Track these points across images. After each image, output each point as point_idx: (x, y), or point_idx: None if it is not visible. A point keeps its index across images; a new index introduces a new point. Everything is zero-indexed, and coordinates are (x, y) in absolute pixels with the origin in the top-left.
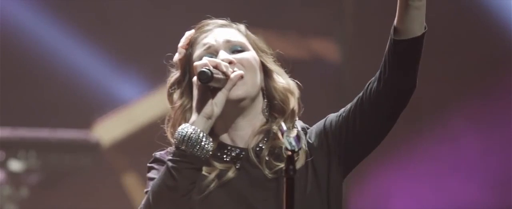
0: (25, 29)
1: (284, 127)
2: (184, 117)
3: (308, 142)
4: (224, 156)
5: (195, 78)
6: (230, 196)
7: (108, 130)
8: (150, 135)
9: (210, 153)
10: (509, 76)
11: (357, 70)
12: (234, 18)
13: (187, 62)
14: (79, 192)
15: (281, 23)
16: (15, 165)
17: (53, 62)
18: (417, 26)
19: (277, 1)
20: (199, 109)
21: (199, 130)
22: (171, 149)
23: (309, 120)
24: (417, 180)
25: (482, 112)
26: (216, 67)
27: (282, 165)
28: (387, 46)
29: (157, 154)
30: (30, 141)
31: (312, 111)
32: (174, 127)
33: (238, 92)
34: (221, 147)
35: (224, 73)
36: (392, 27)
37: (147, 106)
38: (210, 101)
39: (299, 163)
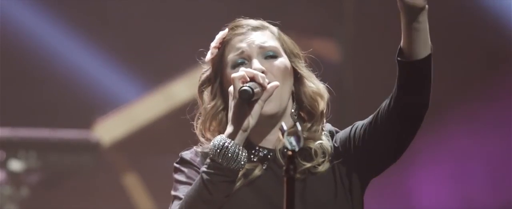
0: (25, 29)
1: (284, 127)
2: (215, 118)
3: (334, 145)
4: (252, 156)
5: (231, 88)
6: (256, 194)
7: (109, 130)
8: (150, 135)
9: (245, 165)
10: (509, 76)
11: (357, 71)
12: (234, 18)
13: (219, 62)
14: (80, 192)
15: (281, 24)
16: (16, 165)
17: (54, 62)
18: (419, 48)
19: (277, 2)
20: (235, 121)
21: (236, 143)
22: (198, 149)
23: None
24: (417, 179)
25: (482, 112)
26: (252, 78)
27: (308, 164)
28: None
29: (184, 154)
30: (30, 141)
31: None
32: (204, 124)
33: (270, 106)
34: (249, 147)
35: (260, 84)
36: (398, 48)
37: (148, 106)
38: (246, 113)
39: (326, 166)
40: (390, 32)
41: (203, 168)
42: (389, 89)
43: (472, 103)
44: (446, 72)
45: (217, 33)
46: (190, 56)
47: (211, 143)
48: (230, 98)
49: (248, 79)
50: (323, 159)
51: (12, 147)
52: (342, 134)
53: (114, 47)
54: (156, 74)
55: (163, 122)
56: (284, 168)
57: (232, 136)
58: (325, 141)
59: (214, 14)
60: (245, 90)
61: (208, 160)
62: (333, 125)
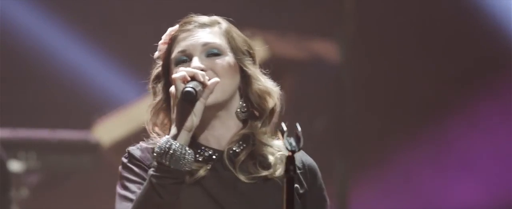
0: (25, 30)
1: (285, 127)
2: (163, 113)
3: (301, 166)
4: (197, 156)
5: (172, 89)
6: (200, 194)
7: (108, 130)
8: (150, 136)
9: (193, 164)
10: (509, 76)
11: (357, 71)
12: (234, 18)
13: (167, 59)
14: (79, 193)
15: (281, 24)
16: (15, 166)
17: (53, 62)
18: None
19: (277, 2)
20: (178, 122)
21: (181, 144)
22: (146, 145)
23: (309, 120)
24: (417, 179)
25: (482, 112)
26: (193, 77)
27: (264, 173)
28: None
29: (132, 150)
30: (30, 142)
31: (312, 111)
32: (152, 120)
33: (211, 98)
34: (195, 146)
35: (201, 82)
36: None
37: (147, 107)
38: (189, 113)
39: (278, 173)
40: (389, 32)
41: (150, 172)
42: (388, 88)
43: (472, 104)
44: (446, 72)
45: None
46: (152, 53)
47: (156, 146)
48: (172, 98)
49: (189, 79)
50: (278, 168)
51: (12, 148)
52: (310, 168)
53: (114, 47)
54: None
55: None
56: (284, 168)
57: (176, 137)
58: (281, 152)
59: (214, 14)
60: (188, 91)
61: (154, 163)
62: (333, 124)
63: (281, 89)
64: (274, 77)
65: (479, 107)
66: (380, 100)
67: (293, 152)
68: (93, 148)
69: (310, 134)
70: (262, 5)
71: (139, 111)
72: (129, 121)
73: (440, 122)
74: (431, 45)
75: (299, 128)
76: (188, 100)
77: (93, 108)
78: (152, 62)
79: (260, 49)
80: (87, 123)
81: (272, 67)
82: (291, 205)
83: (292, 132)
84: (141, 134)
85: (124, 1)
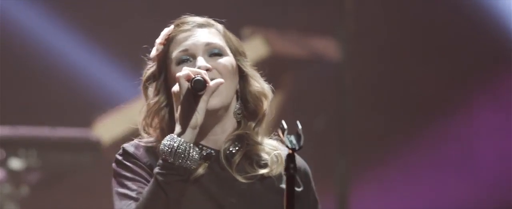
0: (25, 28)
1: (285, 126)
2: (158, 114)
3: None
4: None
5: (175, 88)
6: (199, 193)
7: (109, 128)
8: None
9: (198, 162)
10: (509, 75)
11: (357, 69)
12: (234, 17)
13: (164, 59)
14: (79, 191)
15: (282, 22)
16: (16, 164)
17: (53, 60)
18: None
19: (278, 0)
20: (183, 119)
21: (186, 141)
22: (140, 143)
23: (309, 118)
24: (417, 179)
25: (482, 112)
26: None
27: (261, 172)
28: None
29: (127, 146)
30: (30, 140)
31: (312, 110)
32: (146, 120)
33: (214, 102)
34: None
35: (205, 81)
36: None
37: (141, 107)
38: (193, 110)
39: (276, 173)
40: (390, 31)
41: (156, 170)
42: (388, 87)
43: (472, 103)
44: (446, 72)
45: None
46: (143, 54)
47: (161, 144)
48: (174, 97)
49: (193, 76)
50: (275, 167)
51: (12, 146)
52: (305, 172)
53: (114, 45)
54: None
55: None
56: (284, 166)
57: (181, 134)
58: (278, 151)
59: (214, 13)
60: (198, 80)
61: (160, 161)
62: (332, 122)
63: (282, 87)
64: (274, 75)
65: (479, 106)
66: (380, 98)
67: (293, 150)
68: (94, 146)
69: (310, 133)
70: (262, 3)
71: (139, 110)
72: (130, 119)
73: (440, 121)
74: (431, 44)
75: (300, 126)
76: (198, 88)
77: (93, 106)
78: (144, 62)
79: (260, 47)
80: (87, 121)
81: (270, 68)
82: (292, 204)
83: (292, 130)
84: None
85: None
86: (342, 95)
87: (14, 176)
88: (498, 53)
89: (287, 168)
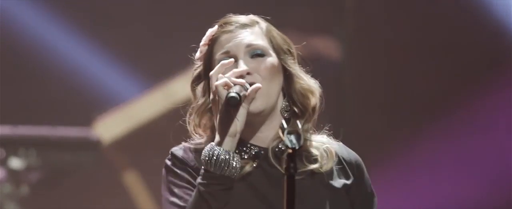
0: (25, 27)
1: (285, 125)
2: (205, 115)
3: (345, 157)
4: (243, 154)
5: (213, 97)
6: (248, 190)
7: (109, 128)
8: (150, 133)
9: (239, 169)
10: (509, 75)
11: (357, 68)
12: (234, 15)
13: (208, 60)
14: (80, 190)
15: (281, 20)
16: (15, 163)
17: (53, 59)
18: None
19: None
20: (222, 128)
21: (226, 150)
22: (189, 146)
23: None
24: (417, 179)
25: (483, 111)
26: (235, 83)
27: (311, 167)
28: None
29: (175, 151)
30: (30, 139)
31: None
32: (195, 121)
33: (256, 104)
34: (241, 144)
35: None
36: None
37: (148, 104)
38: (232, 118)
39: (327, 168)
40: (390, 30)
41: (198, 180)
42: (389, 86)
43: (472, 103)
44: (445, 71)
45: None
46: (190, 53)
47: (202, 153)
48: (213, 106)
49: (232, 85)
50: (325, 162)
51: (12, 145)
52: (357, 163)
53: (114, 44)
54: (156, 72)
55: (163, 119)
56: (285, 166)
57: (220, 143)
58: (326, 145)
59: (214, 11)
60: (232, 97)
61: (201, 171)
62: (332, 122)
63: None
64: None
65: (480, 106)
66: (380, 98)
67: (293, 149)
68: (94, 145)
69: None
70: (262, 1)
71: (140, 108)
72: (130, 118)
73: (441, 120)
74: (432, 43)
75: (300, 126)
76: (233, 104)
77: (93, 105)
78: (191, 63)
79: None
80: (87, 120)
81: (312, 66)
82: (292, 204)
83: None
84: (141, 132)
85: None
86: (342, 94)
87: (14, 176)
88: (498, 53)
89: (287, 168)
